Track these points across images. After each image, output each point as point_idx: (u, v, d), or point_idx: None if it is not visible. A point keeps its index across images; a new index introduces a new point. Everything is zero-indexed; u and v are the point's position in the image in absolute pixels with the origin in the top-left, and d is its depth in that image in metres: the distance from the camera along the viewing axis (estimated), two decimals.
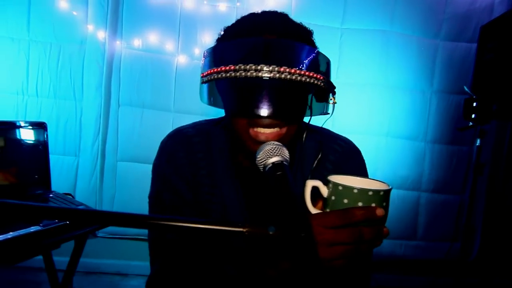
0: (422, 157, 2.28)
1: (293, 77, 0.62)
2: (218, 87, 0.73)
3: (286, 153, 0.61)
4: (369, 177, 0.87)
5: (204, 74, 0.69)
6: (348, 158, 0.85)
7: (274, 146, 0.60)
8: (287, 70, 0.61)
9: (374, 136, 2.23)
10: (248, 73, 0.61)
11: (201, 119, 0.90)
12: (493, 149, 2.25)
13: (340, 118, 2.20)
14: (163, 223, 0.48)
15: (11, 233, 1.12)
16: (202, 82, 0.70)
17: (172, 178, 0.79)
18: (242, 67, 0.61)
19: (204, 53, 0.71)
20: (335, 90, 0.72)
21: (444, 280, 1.80)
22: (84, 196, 2.09)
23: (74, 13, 2.02)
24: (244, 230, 0.45)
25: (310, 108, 0.74)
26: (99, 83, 2.07)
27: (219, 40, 0.78)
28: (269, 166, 0.58)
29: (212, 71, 0.66)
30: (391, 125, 2.25)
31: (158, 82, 2.12)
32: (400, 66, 2.22)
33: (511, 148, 2.21)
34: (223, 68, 0.63)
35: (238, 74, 0.62)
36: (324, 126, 0.87)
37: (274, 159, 0.58)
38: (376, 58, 2.20)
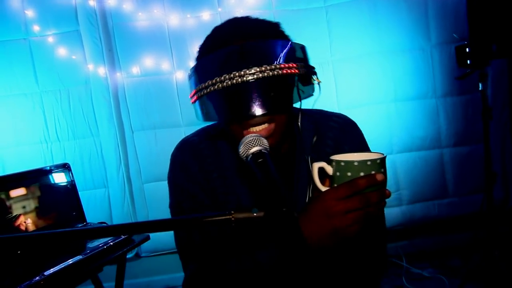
0: (436, 113, 2.23)
1: (275, 72, 0.66)
2: (207, 101, 0.76)
3: (264, 142, 0.65)
4: (376, 145, 0.90)
5: (193, 92, 0.73)
6: (346, 132, 0.88)
7: (253, 138, 0.64)
8: (268, 67, 0.66)
9: (383, 104, 2.21)
10: (234, 80, 0.66)
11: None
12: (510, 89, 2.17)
13: (344, 94, 2.20)
14: (164, 225, 0.55)
15: (59, 265, 1.24)
16: (193, 101, 0.74)
17: (188, 187, 0.84)
18: (227, 76, 0.66)
19: (188, 74, 0.75)
20: (315, 70, 0.75)
21: (483, 232, 1.77)
22: (121, 221, 2.23)
23: (73, 57, 2.16)
24: (231, 217, 0.51)
25: (298, 94, 0.77)
26: (110, 115, 2.20)
27: (198, 59, 0.81)
28: (250, 156, 0.63)
29: (200, 87, 0.70)
30: (397, 89, 2.22)
31: (163, 102, 2.22)
32: (393, 29, 2.19)
33: None
34: (210, 82, 0.68)
35: (225, 84, 0.66)
36: (329, 105, 0.89)
37: (254, 149, 0.63)
38: (366, 27, 2.18)
